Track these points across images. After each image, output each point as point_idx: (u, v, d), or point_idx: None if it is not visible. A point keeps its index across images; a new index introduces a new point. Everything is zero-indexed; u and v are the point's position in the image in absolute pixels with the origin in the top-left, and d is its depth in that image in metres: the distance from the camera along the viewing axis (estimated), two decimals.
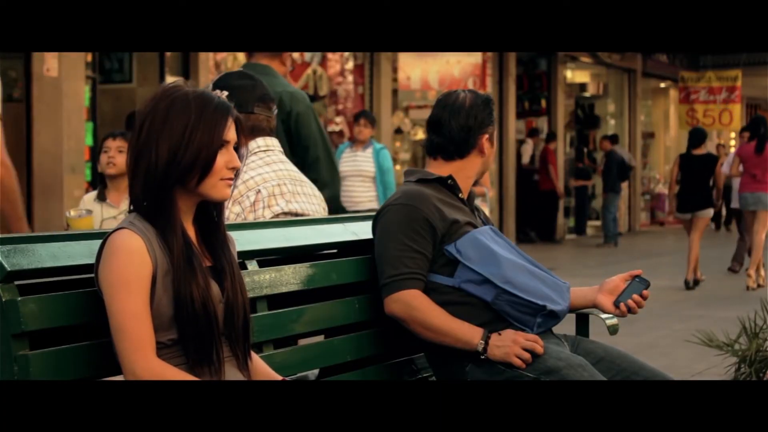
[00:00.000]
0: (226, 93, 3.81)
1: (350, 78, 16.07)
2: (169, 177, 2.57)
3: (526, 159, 20.09)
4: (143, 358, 2.49)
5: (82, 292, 2.65)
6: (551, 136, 19.98)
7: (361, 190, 10.33)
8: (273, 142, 3.91)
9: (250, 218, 3.71)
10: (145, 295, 2.52)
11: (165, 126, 2.58)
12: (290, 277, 3.28)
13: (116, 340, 2.51)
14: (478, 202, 3.80)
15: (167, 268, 2.56)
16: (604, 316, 3.77)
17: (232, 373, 2.67)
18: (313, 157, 4.80)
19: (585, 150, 22.87)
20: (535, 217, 19.61)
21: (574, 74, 22.99)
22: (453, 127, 3.65)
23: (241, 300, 2.68)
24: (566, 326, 3.73)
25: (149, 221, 2.59)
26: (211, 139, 2.60)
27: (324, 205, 4.01)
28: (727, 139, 28.29)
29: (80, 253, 2.70)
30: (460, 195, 3.65)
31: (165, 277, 2.56)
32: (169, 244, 2.57)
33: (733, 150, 19.29)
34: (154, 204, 2.59)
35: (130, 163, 2.62)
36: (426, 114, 3.95)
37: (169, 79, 12.78)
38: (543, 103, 20.95)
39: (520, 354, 3.37)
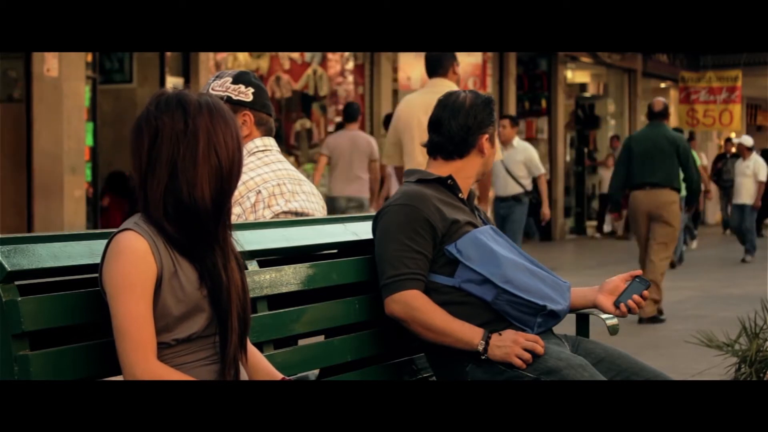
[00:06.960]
0: (252, 90, 3.82)
1: (350, 78, 16.07)
2: (233, 178, 2.62)
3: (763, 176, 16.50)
4: (143, 359, 2.50)
5: (82, 292, 2.65)
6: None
7: None
8: (270, 142, 3.90)
9: (251, 219, 3.70)
10: (148, 298, 2.53)
11: (216, 130, 2.59)
12: (290, 277, 3.27)
13: (117, 341, 2.52)
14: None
15: (173, 270, 2.56)
16: (604, 316, 3.76)
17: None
18: (686, 165, 9.73)
19: (585, 150, 22.87)
20: None
21: (575, 74, 22.99)
22: (452, 126, 3.65)
23: (245, 297, 2.69)
24: (566, 326, 3.73)
25: (200, 225, 2.58)
26: (242, 138, 2.69)
27: (322, 203, 4.00)
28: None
29: (80, 253, 2.70)
30: (459, 195, 3.65)
31: (171, 279, 2.56)
32: (222, 241, 2.62)
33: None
34: (222, 205, 2.60)
35: (165, 170, 2.56)
36: None
37: (170, 79, 12.81)
38: (543, 103, 20.95)
39: (520, 354, 3.36)
